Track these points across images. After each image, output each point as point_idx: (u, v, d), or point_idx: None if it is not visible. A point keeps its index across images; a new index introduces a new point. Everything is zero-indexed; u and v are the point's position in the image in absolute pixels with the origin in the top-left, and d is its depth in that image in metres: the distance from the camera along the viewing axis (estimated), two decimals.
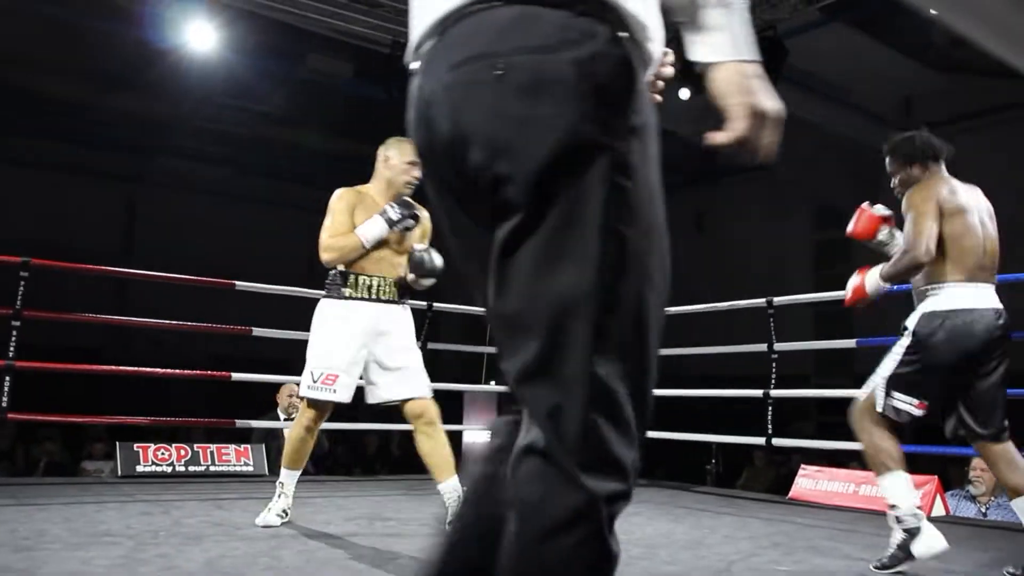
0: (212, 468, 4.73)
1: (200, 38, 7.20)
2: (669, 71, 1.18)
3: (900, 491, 2.59)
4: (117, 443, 4.65)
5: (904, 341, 2.73)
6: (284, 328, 5.11)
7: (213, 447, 4.84)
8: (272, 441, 5.57)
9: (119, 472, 4.49)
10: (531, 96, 0.89)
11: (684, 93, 6.41)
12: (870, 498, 4.32)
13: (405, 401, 3.14)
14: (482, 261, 0.95)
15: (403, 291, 3.23)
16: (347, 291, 3.16)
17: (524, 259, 0.89)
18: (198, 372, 5.19)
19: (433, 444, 3.09)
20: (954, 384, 2.69)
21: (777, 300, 5.00)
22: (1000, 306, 2.71)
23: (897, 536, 2.60)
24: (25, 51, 8.26)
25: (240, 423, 4.84)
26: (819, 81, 8.40)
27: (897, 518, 2.59)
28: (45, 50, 8.34)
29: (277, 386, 5.74)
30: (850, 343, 5.11)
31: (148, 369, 4.84)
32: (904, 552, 2.57)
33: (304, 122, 9.95)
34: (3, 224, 8.62)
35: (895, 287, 2.85)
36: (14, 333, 4.06)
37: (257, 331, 4.75)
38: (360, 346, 3.14)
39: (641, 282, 0.89)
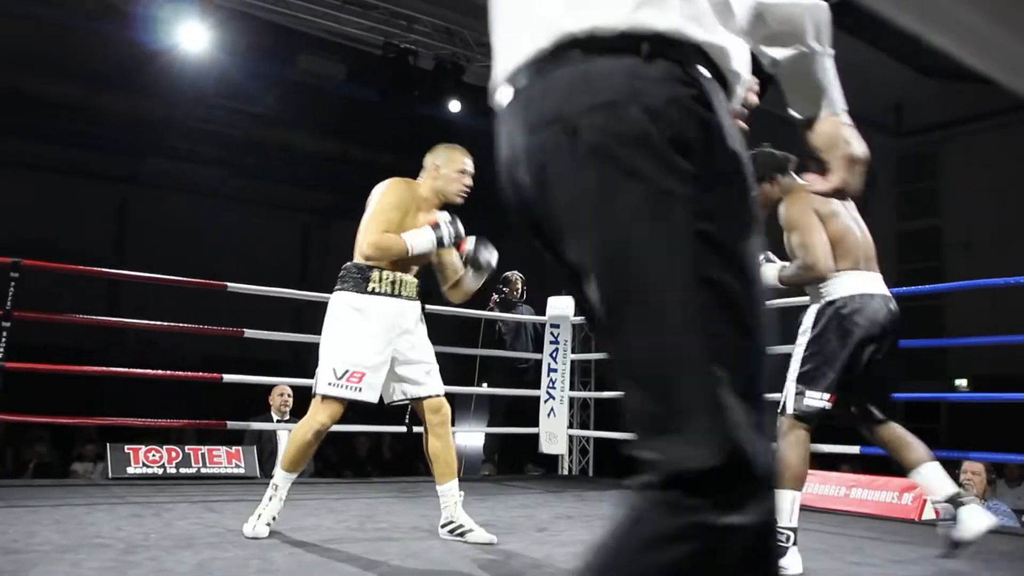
0: (203, 470, 4.71)
1: (192, 39, 7.20)
2: (753, 99, 1.17)
3: (786, 508, 2.69)
4: (108, 445, 4.63)
5: (802, 340, 2.83)
6: (276, 330, 5.11)
7: (204, 449, 4.82)
8: (264, 443, 5.57)
9: (109, 474, 4.46)
10: (603, 160, 0.87)
11: None
12: (862, 501, 4.34)
13: (423, 398, 3.09)
14: (580, 290, 0.96)
15: (421, 291, 3.16)
16: (371, 285, 3.01)
17: (625, 315, 0.87)
18: (189, 373, 5.17)
19: (443, 445, 3.07)
20: (853, 369, 2.75)
21: (770, 303, 5.01)
22: (888, 292, 2.80)
23: None
24: (17, 52, 8.24)
25: (232, 425, 4.82)
26: None
27: None
28: (37, 51, 8.32)
29: (268, 388, 5.74)
30: None
31: (139, 370, 4.82)
32: None
33: (296, 123, 9.94)
34: None
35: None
36: (4, 334, 4.04)
37: (249, 332, 4.74)
38: (386, 344, 3.01)
39: (743, 325, 0.86)
